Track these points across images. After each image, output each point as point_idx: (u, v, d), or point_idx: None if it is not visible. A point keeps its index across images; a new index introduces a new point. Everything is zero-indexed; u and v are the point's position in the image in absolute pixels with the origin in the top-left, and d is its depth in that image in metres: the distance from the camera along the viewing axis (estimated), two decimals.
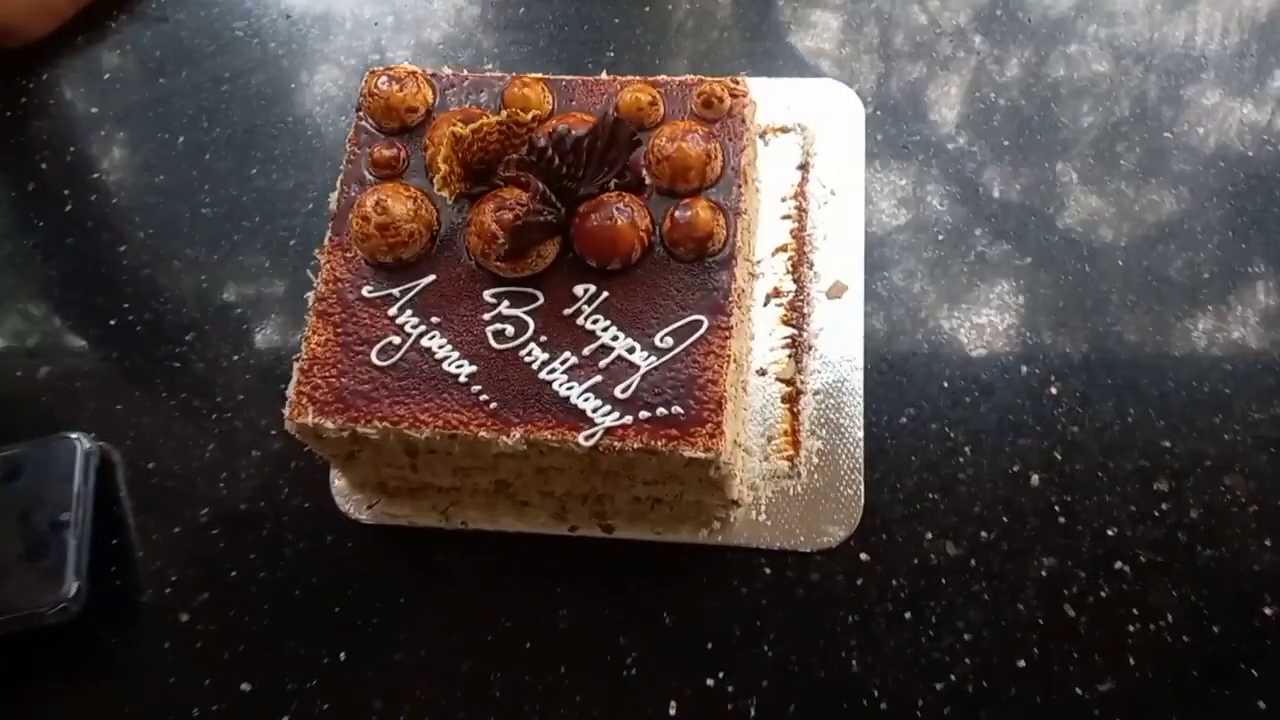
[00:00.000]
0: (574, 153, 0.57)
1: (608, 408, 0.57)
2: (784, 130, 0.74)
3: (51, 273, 0.77)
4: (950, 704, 0.59)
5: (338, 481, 0.68)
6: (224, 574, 0.66)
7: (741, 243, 0.60)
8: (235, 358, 0.73)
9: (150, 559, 0.67)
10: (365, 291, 0.61)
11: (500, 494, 0.66)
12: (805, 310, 0.69)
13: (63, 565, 0.64)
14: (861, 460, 0.65)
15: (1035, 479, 0.64)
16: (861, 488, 0.64)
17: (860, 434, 0.66)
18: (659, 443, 0.56)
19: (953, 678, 0.60)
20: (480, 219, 0.59)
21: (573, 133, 0.57)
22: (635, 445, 0.56)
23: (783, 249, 0.71)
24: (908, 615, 0.62)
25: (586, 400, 0.57)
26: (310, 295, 0.61)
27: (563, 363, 0.58)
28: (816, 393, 0.67)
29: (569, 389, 0.57)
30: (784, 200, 0.72)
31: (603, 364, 0.58)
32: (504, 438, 0.57)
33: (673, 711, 0.61)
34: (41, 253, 0.77)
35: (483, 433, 0.57)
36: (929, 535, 0.63)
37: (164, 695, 0.63)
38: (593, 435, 0.56)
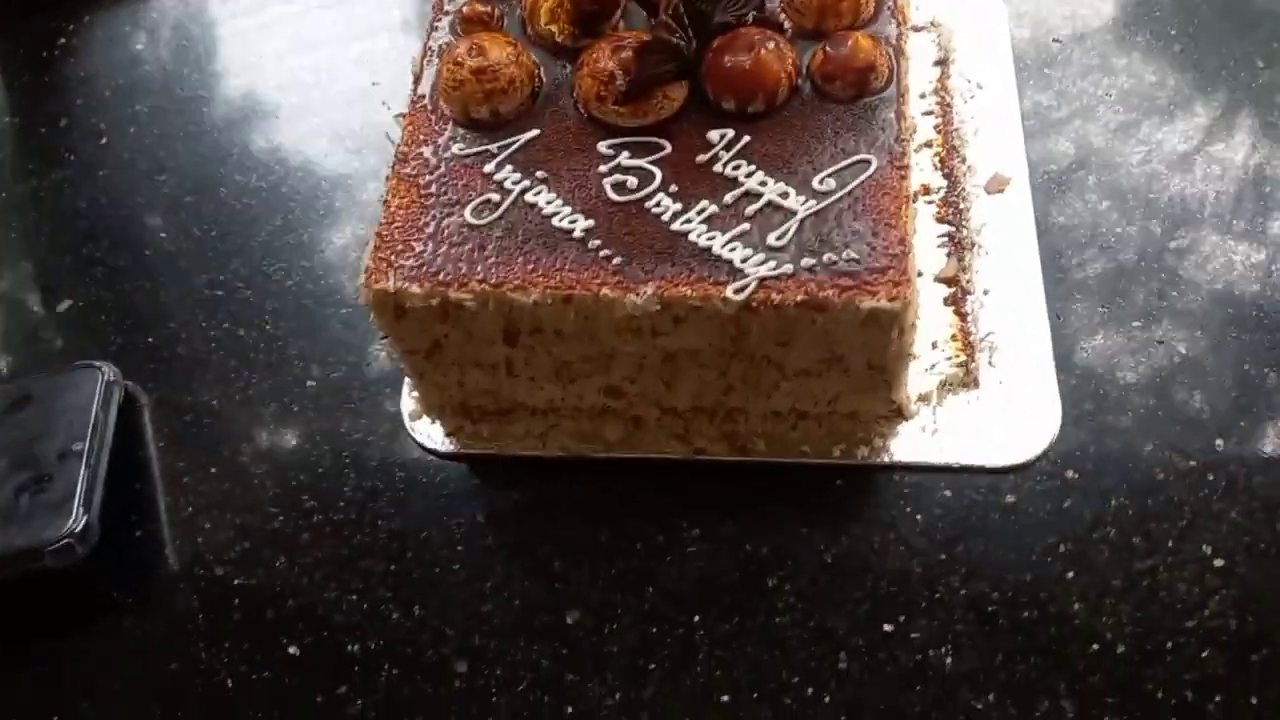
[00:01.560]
0: None
1: (760, 256, 0.46)
2: (915, 29, 0.65)
3: (80, 204, 0.67)
4: (1209, 645, 0.46)
5: (411, 404, 0.56)
6: (269, 520, 0.54)
7: (907, 85, 0.51)
8: (289, 283, 0.62)
9: (179, 506, 0.55)
10: (456, 149, 0.51)
11: (608, 417, 0.54)
12: (962, 206, 0.59)
13: (69, 497, 0.51)
14: (1051, 362, 0.53)
15: (1274, 377, 0.52)
16: (1055, 392, 0.52)
17: (1046, 334, 0.54)
18: (831, 293, 0.44)
19: (1207, 613, 0.46)
20: (594, 58, 0.50)
21: None
22: (798, 297, 0.44)
23: (927, 145, 0.61)
24: (1137, 540, 0.48)
25: (733, 250, 0.46)
26: (388, 166, 0.51)
27: (699, 212, 0.47)
28: (986, 291, 0.56)
29: (710, 239, 0.46)
30: (923, 97, 0.63)
31: (749, 211, 0.47)
32: (632, 296, 0.45)
33: (843, 665, 0.47)
34: (70, 185, 0.68)
35: (605, 291, 0.46)
36: (1148, 446, 0.51)
37: (193, 662, 0.50)
38: (744, 288, 0.45)
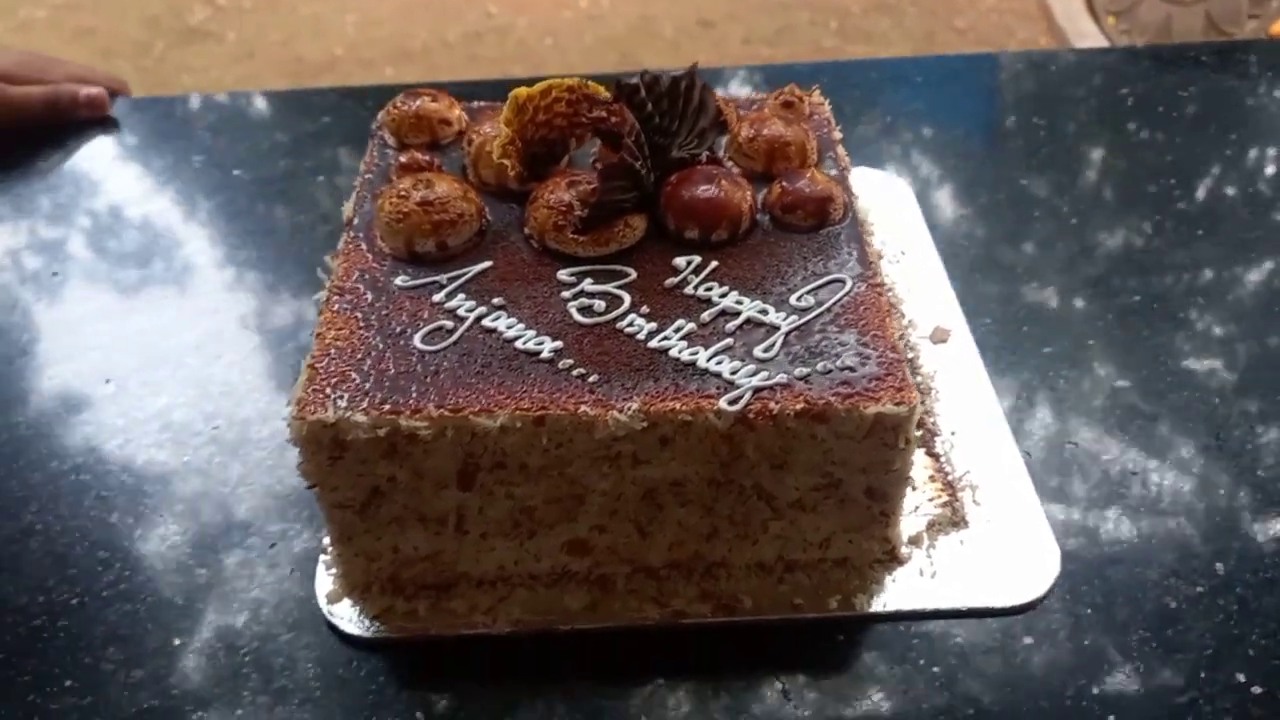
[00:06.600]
0: (669, 99, 0.48)
1: (750, 368, 0.42)
2: None
3: None
4: None
5: (329, 584, 0.47)
6: None
7: (863, 217, 0.51)
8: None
9: None
10: (399, 281, 0.47)
11: (569, 582, 0.47)
12: (909, 356, 0.58)
13: None
14: (1035, 496, 0.50)
15: (1245, 495, 0.51)
16: (1047, 527, 0.49)
17: (1023, 470, 0.52)
18: (833, 399, 0.41)
19: None
20: (548, 190, 0.48)
21: (668, 74, 0.48)
22: (798, 406, 0.41)
23: None
24: (1168, 674, 0.44)
25: (719, 364, 0.42)
26: (319, 296, 0.46)
27: (677, 330, 0.44)
28: (954, 431, 0.53)
29: (692, 354, 0.43)
30: None
31: (729, 327, 0.44)
32: (615, 414, 0.41)
33: None
34: None
35: (585, 409, 0.41)
36: (1151, 575, 0.48)
37: None
38: (739, 398, 0.41)
